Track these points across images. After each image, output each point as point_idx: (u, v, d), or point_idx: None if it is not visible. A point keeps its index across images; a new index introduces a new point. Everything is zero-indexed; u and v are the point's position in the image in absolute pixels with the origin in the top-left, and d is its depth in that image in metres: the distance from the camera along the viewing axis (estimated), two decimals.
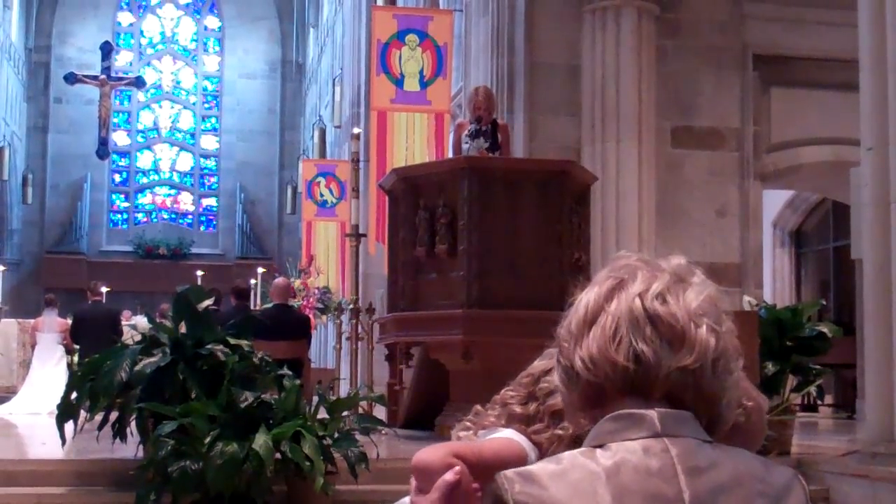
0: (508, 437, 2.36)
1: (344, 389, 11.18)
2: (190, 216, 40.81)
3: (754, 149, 12.86)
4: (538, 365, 2.40)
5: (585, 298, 1.51)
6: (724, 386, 1.47)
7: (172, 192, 41.03)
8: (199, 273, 25.23)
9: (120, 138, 40.11)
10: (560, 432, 2.26)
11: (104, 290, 16.16)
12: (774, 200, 16.96)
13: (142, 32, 41.43)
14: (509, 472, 1.41)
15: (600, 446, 1.42)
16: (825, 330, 8.97)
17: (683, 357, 1.43)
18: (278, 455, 6.37)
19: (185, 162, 41.22)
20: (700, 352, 1.44)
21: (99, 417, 7.07)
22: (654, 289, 1.47)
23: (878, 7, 6.58)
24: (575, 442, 2.19)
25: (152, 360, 6.84)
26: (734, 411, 1.53)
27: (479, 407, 2.45)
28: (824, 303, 14.51)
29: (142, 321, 13.68)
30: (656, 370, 1.43)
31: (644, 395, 1.44)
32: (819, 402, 14.36)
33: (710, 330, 1.45)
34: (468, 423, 2.52)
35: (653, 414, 1.42)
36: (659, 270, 1.50)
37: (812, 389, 10.28)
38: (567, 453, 1.44)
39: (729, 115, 12.75)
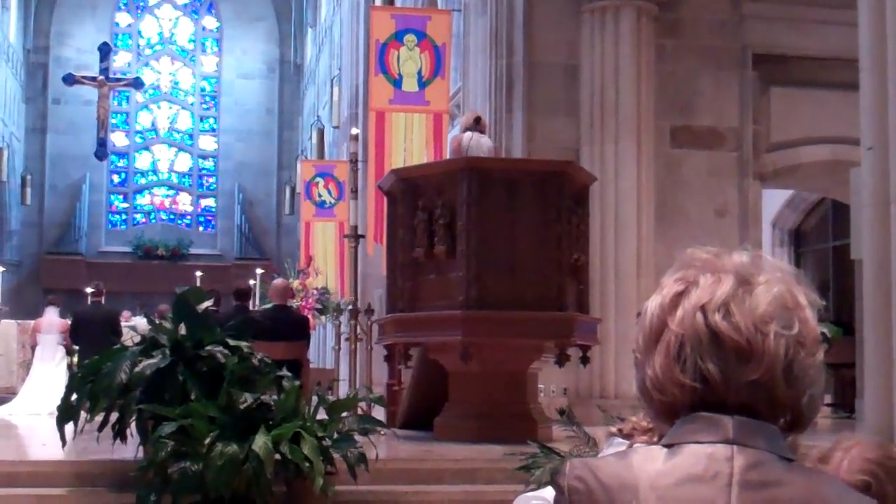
0: None
1: (343, 390, 11.19)
2: (188, 217, 40.80)
3: (753, 148, 12.86)
4: None
5: (651, 307, 1.46)
6: (801, 387, 1.42)
7: (171, 192, 41.03)
8: (198, 274, 25.26)
9: (118, 139, 40.10)
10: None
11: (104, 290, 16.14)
12: (774, 200, 16.94)
13: (140, 33, 41.42)
14: (577, 460, 1.44)
15: (671, 445, 1.40)
16: (824, 330, 8.90)
17: (752, 371, 1.39)
18: (278, 456, 6.37)
19: (184, 162, 41.21)
20: (769, 363, 1.39)
21: (99, 418, 7.08)
22: (717, 299, 1.40)
23: (877, 6, 6.57)
24: None
25: (152, 361, 6.85)
26: (819, 405, 1.46)
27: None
28: (824, 303, 14.49)
29: (141, 322, 13.66)
30: (724, 387, 1.39)
31: (716, 410, 1.40)
32: None
33: (778, 337, 1.40)
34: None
35: (728, 420, 1.38)
36: (724, 272, 1.43)
37: None
38: (638, 448, 1.45)
39: (728, 115, 12.75)
